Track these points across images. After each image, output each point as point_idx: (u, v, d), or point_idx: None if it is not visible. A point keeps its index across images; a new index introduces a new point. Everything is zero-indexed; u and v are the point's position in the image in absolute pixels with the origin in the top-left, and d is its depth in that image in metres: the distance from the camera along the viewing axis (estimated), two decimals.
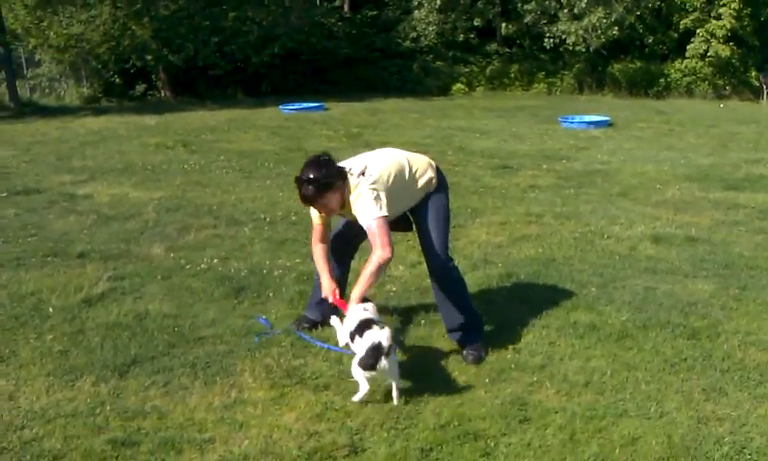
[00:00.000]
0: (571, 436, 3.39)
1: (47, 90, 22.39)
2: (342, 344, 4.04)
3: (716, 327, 4.71)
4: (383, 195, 4.05)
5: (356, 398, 3.67)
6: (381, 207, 4.01)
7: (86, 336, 4.47)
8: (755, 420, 3.58)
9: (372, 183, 4.05)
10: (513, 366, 4.14)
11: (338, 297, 4.24)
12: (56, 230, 6.92)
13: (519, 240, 6.76)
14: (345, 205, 4.13)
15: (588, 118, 15.93)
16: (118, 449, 3.25)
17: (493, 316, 4.91)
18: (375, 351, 3.59)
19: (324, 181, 3.98)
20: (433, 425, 3.47)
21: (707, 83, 22.30)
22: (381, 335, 3.64)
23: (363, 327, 3.76)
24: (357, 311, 3.89)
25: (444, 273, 4.40)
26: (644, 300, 5.19)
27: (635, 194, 8.88)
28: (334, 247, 4.57)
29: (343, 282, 4.61)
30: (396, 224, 4.31)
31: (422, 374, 4.03)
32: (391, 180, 4.14)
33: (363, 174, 4.09)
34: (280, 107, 18.06)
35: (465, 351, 4.29)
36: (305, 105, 18.30)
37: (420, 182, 4.31)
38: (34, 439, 3.34)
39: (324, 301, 4.55)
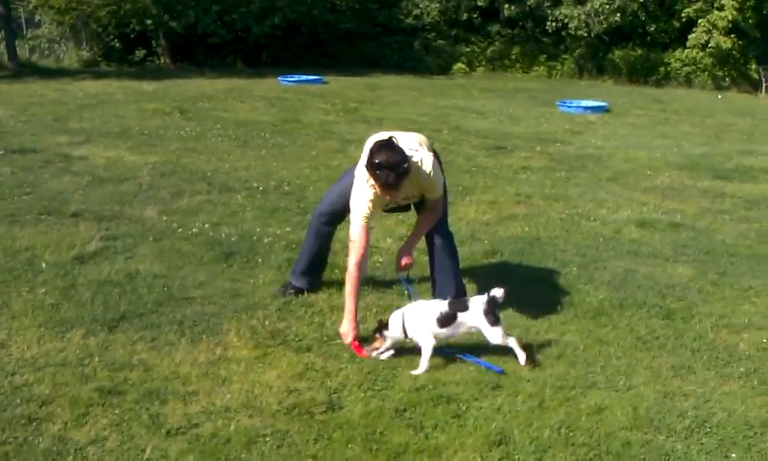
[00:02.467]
0: (540, 403, 3.52)
1: (46, 52, 22.36)
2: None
3: (691, 310, 4.84)
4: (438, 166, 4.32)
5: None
6: (442, 177, 4.34)
7: (78, 291, 4.58)
8: (719, 397, 3.72)
9: (432, 155, 4.29)
10: None
11: (356, 343, 4.02)
12: (51, 189, 7.01)
13: (507, 219, 6.88)
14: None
15: (585, 103, 16.03)
16: (105, 397, 3.37)
17: (476, 290, 5.00)
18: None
19: (403, 166, 3.94)
20: (408, 388, 3.60)
21: (706, 73, 22.39)
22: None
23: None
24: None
25: (446, 243, 4.60)
26: (623, 281, 5.32)
27: (624, 179, 9.00)
28: (325, 230, 4.73)
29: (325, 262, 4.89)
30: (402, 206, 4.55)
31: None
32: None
33: (416, 150, 4.23)
34: (279, 78, 18.09)
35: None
36: (304, 77, 18.33)
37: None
38: (24, 384, 3.47)
39: (312, 271, 4.72)
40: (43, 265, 4.97)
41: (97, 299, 4.48)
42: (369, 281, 4.92)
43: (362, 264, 4.11)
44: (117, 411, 3.28)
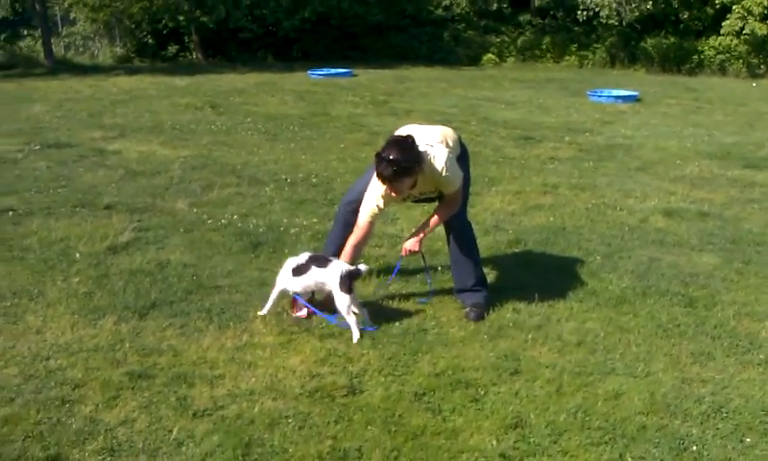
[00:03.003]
0: (558, 389, 3.58)
1: (81, 49, 22.80)
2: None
3: (714, 298, 4.85)
4: (455, 160, 4.37)
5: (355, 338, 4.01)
6: (460, 171, 4.37)
7: (110, 280, 4.75)
8: (737, 383, 3.75)
9: (449, 151, 4.33)
10: (511, 324, 4.33)
11: None
12: (85, 182, 7.22)
13: (532, 209, 6.91)
14: (415, 185, 4.29)
15: (616, 93, 15.88)
16: (134, 381, 3.52)
17: (498, 278, 5.10)
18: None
19: (404, 165, 4.06)
20: (428, 373, 3.68)
21: (741, 61, 21.95)
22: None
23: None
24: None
25: (465, 234, 4.66)
26: (647, 269, 5.34)
27: (653, 169, 8.94)
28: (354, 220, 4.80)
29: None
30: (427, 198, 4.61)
31: (423, 328, 4.24)
32: (448, 147, 4.41)
33: (431, 146, 4.29)
34: (308, 72, 18.22)
35: (467, 309, 4.50)
36: (333, 70, 18.43)
37: (455, 150, 4.53)
38: (58, 369, 3.62)
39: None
40: (77, 255, 5.15)
41: (129, 287, 4.63)
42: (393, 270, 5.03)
43: (358, 246, 4.36)
44: (146, 394, 3.42)
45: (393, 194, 4.25)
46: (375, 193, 4.29)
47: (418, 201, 4.77)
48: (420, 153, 4.15)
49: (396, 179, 4.10)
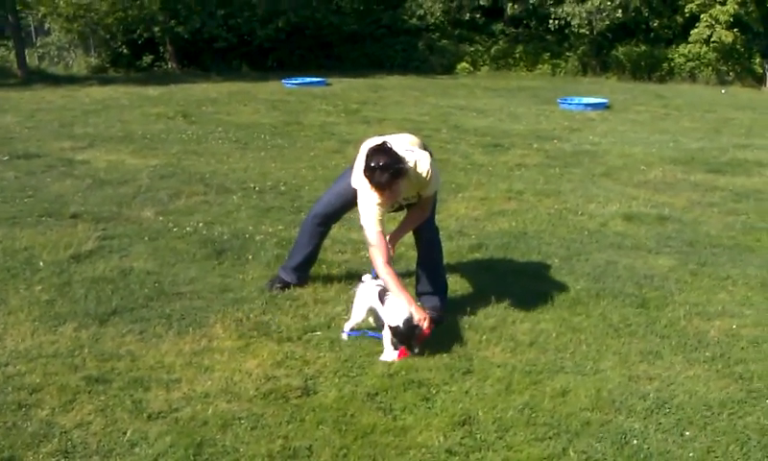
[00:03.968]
0: (507, 387, 3.68)
1: (56, 59, 22.68)
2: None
3: (666, 299, 4.98)
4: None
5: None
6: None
7: (72, 288, 4.78)
8: (682, 380, 3.86)
9: (428, 154, 4.41)
10: (467, 326, 4.42)
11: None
12: (52, 192, 7.24)
13: (496, 215, 7.03)
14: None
15: (586, 100, 16.13)
16: (92, 385, 3.57)
17: (458, 282, 5.20)
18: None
19: (397, 166, 4.08)
20: (382, 374, 3.77)
21: (710, 68, 22.39)
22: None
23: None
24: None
25: (434, 239, 4.76)
26: (603, 272, 5.47)
27: (617, 175, 9.11)
28: (321, 231, 4.88)
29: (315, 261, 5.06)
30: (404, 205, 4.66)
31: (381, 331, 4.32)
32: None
33: (412, 150, 4.36)
34: (282, 81, 18.30)
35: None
36: (307, 79, 18.53)
37: None
38: (16, 374, 3.66)
39: (303, 269, 4.89)
40: (41, 264, 5.18)
41: (90, 295, 4.68)
42: (356, 276, 5.12)
43: (390, 262, 4.23)
44: (103, 398, 3.47)
45: (387, 201, 4.21)
46: (371, 206, 4.21)
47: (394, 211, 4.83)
48: (403, 157, 4.18)
49: (393, 182, 4.09)
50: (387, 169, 4.03)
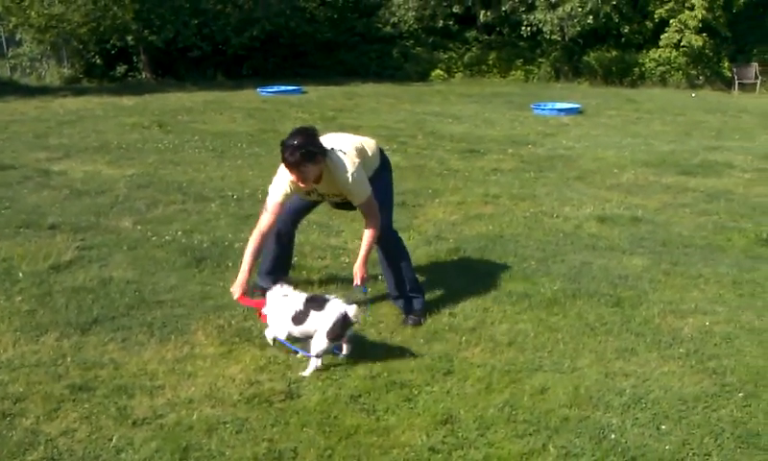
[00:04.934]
0: (487, 386, 3.76)
1: (28, 70, 22.43)
2: (279, 335, 4.12)
3: (640, 297, 5.10)
4: (364, 173, 4.43)
5: (308, 372, 3.89)
6: (368, 184, 4.42)
7: (53, 298, 4.78)
8: (658, 376, 3.97)
9: (359, 162, 4.41)
10: (447, 328, 4.50)
11: (244, 296, 4.32)
12: (29, 203, 7.20)
13: (473, 219, 7.12)
14: (320, 180, 4.38)
15: (559, 105, 16.32)
16: (76, 393, 3.58)
17: (437, 285, 5.27)
18: (345, 321, 3.92)
19: (309, 149, 4.16)
20: (364, 376, 3.83)
21: (680, 72, 22.74)
22: (347, 307, 3.94)
23: (314, 303, 4.05)
24: (279, 294, 4.17)
25: (390, 243, 4.76)
26: (579, 272, 5.57)
27: (591, 178, 9.26)
28: (285, 230, 4.90)
29: (289, 262, 5.04)
30: (344, 203, 4.68)
31: (362, 334, 4.37)
32: (362, 158, 4.50)
33: (344, 153, 4.39)
34: (258, 89, 18.31)
35: (405, 317, 4.65)
36: (283, 88, 18.54)
37: (373, 161, 4.67)
38: None
39: (276, 271, 4.91)
40: (20, 275, 5.16)
41: (71, 304, 4.68)
42: (336, 281, 5.18)
43: (267, 234, 4.41)
44: (87, 405, 3.49)
45: (299, 183, 4.27)
46: (283, 180, 4.34)
47: (338, 207, 4.87)
48: (324, 147, 4.26)
49: (302, 163, 4.15)
50: (298, 149, 4.12)
